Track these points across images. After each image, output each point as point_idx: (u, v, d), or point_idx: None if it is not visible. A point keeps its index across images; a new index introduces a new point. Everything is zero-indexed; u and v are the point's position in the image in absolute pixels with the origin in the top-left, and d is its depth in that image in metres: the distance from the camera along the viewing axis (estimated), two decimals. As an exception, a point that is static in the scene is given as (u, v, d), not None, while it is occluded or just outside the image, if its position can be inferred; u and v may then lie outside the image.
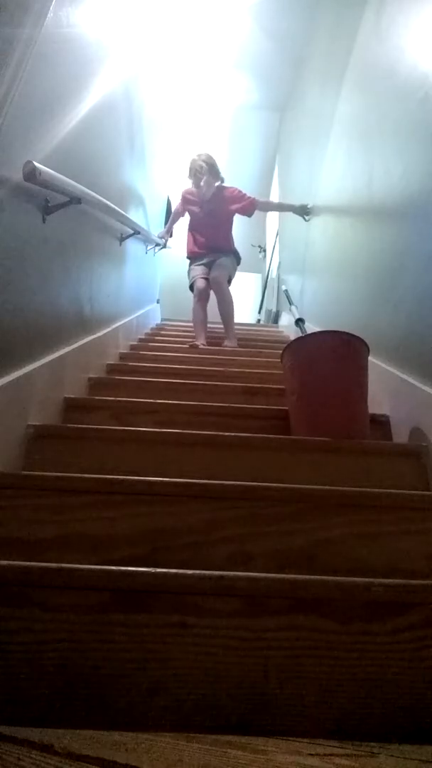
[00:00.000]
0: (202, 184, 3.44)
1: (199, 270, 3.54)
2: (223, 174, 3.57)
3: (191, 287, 3.59)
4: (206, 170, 3.42)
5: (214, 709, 0.73)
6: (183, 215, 3.77)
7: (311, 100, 4.02)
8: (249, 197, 3.61)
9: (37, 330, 1.51)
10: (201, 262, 3.56)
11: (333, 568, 1.06)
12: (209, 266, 3.54)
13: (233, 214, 3.60)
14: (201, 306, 3.45)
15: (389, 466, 1.45)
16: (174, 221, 3.89)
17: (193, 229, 3.66)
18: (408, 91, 1.78)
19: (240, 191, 3.59)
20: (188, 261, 3.70)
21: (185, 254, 3.72)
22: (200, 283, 3.48)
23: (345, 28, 2.87)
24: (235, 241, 3.70)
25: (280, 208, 3.84)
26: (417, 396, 1.54)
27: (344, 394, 1.59)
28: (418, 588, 0.80)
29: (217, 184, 3.52)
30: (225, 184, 3.58)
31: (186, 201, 3.68)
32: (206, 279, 3.52)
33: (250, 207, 3.60)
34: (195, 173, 3.47)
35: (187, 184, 3.64)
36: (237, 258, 3.65)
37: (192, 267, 3.62)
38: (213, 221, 3.56)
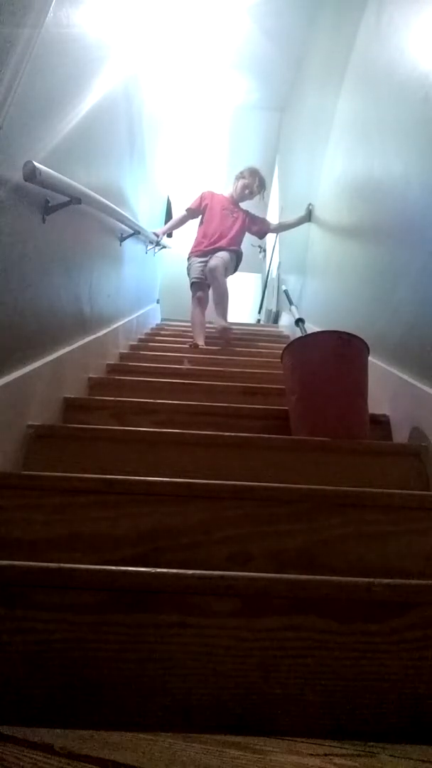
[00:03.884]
0: (248, 191, 3.57)
1: (200, 268, 3.51)
2: (229, 179, 3.72)
3: (192, 285, 3.56)
4: (258, 184, 3.59)
5: (214, 709, 0.73)
6: (196, 217, 3.71)
7: (311, 100, 4.02)
8: (266, 220, 3.91)
9: (37, 330, 1.51)
10: (204, 259, 3.52)
11: (333, 568, 1.06)
12: (207, 261, 3.52)
13: (247, 228, 3.67)
14: (200, 311, 3.48)
15: (389, 466, 1.45)
16: (182, 222, 3.78)
17: (206, 225, 3.62)
18: (408, 91, 1.78)
19: (261, 217, 3.84)
20: (190, 257, 3.62)
21: (190, 249, 3.65)
22: (200, 293, 3.48)
23: (345, 28, 2.87)
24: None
25: (291, 226, 3.87)
26: (417, 396, 1.54)
27: (344, 393, 1.59)
28: (418, 588, 0.80)
29: (250, 201, 3.67)
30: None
31: (206, 199, 3.65)
32: (207, 285, 3.50)
33: (265, 229, 3.86)
34: (250, 177, 3.58)
35: (193, 188, 3.68)
36: (238, 257, 3.63)
37: (194, 264, 3.56)
38: (227, 226, 3.57)
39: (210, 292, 3.50)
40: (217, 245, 3.52)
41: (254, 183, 3.58)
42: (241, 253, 3.64)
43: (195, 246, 3.62)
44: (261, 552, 1.08)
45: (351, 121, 2.66)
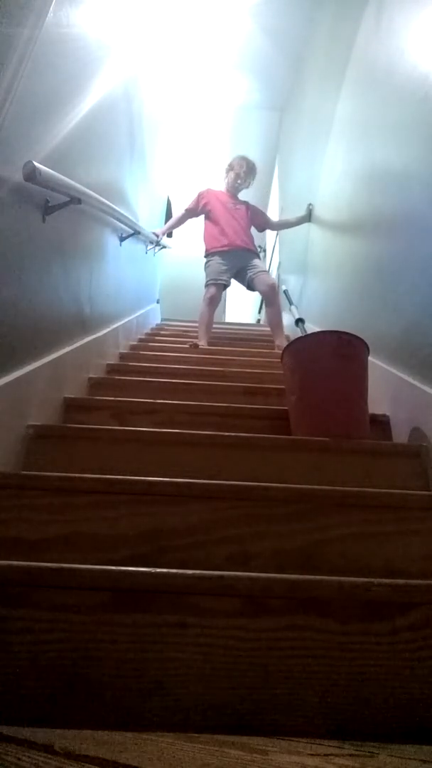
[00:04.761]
0: (240, 180, 3.57)
1: (221, 268, 3.43)
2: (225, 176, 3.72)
3: (209, 284, 3.48)
4: (247, 170, 3.58)
5: (214, 709, 0.73)
6: (196, 216, 3.66)
7: (311, 100, 4.02)
8: (267, 215, 3.94)
9: (37, 330, 1.51)
10: (225, 262, 3.45)
11: (333, 568, 1.06)
12: (238, 268, 3.47)
13: (251, 220, 3.66)
14: (210, 311, 3.42)
15: (389, 466, 1.45)
16: (181, 222, 3.71)
17: (216, 222, 3.54)
18: (408, 91, 1.78)
19: (262, 210, 3.86)
20: (209, 255, 3.53)
21: (206, 247, 3.57)
22: (213, 291, 3.42)
23: (345, 28, 2.87)
24: None
25: (291, 225, 3.87)
26: (417, 396, 1.54)
27: (344, 394, 1.59)
28: (418, 588, 0.80)
29: (246, 189, 3.68)
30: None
31: (204, 197, 3.60)
32: (224, 285, 3.49)
33: (266, 222, 3.86)
34: (237, 166, 3.58)
35: (193, 188, 3.67)
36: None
37: (215, 263, 3.46)
38: (238, 220, 3.55)
39: (265, 311, 3.62)
40: (240, 246, 3.48)
41: (242, 170, 3.56)
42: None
43: (213, 244, 3.52)
44: (261, 552, 1.08)
45: (351, 120, 2.66)
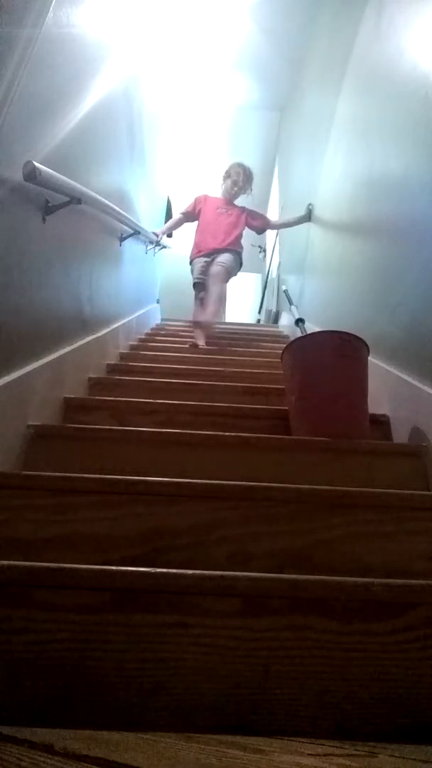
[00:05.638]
0: (236, 187, 3.61)
1: (200, 265, 3.53)
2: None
3: (195, 286, 3.58)
4: (244, 177, 3.61)
5: (214, 709, 0.73)
6: (192, 220, 3.74)
7: (311, 100, 4.02)
8: (266, 216, 3.95)
9: (37, 330, 1.51)
10: (206, 260, 3.55)
11: (333, 568, 1.06)
12: (210, 263, 3.54)
13: (245, 225, 3.68)
14: (202, 312, 3.48)
15: (389, 466, 1.45)
16: (178, 225, 3.82)
17: (201, 226, 3.65)
18: (408, 91, 1.78)
19: (260, 212, 3.87)
20: (192, 259, 3.67)
21: (191, 253, 3.68)
22: (202, 293, 3.50)
23: (345, 28, 2.87)
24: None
25: (291, 224, 3.90)
26: (417, 396, 1.54)
27: (344, 393, 1.59)
28: (418, 588, 0.80)
29: (243, 196, 3.70)
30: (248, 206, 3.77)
31: (200, 202, 3.69)
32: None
33: (265, 224, 3.85)
34: (234, 173, 3.62)
35: (193, 188, 3.69)
36: (240, 257, 3.64)
37: (196, 264, 3.59)
38: (223, 224, 3.59)
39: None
40: (216, 246, 3.53)
41: (239, 177, 3.61)
42: (241, 253, 3.65)
43: (195, 249, 3.64)
44: (261, 552, 1.08)
45: (351, 120, 2.66)
